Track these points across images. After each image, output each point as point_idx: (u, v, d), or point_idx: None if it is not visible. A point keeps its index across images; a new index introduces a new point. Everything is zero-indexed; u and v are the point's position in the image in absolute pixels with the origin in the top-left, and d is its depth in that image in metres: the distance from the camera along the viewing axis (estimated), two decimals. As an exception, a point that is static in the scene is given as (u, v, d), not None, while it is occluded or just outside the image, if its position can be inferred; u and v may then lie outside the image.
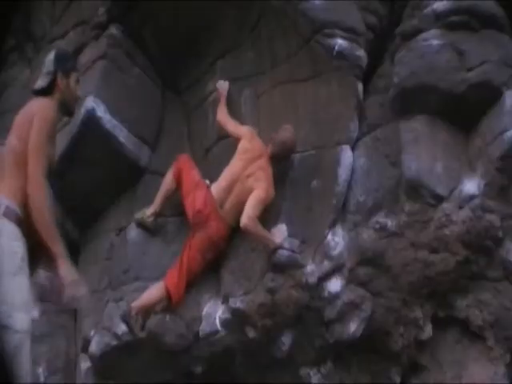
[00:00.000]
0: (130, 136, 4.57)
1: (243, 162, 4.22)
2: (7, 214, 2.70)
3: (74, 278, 2.70)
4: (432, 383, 3.95)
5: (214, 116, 4.60)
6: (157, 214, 4.38)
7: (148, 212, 4.37)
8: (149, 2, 4.63)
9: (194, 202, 4.20)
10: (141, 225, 4.40)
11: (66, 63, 3.06)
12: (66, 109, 3.05)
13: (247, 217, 3.95)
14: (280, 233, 3.99)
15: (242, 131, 4.36)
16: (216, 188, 4.23)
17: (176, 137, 4.83)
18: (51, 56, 3.07)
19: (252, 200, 4.01)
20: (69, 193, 4.39)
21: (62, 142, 4.14)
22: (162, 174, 4.59)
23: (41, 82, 3.01)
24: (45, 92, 3.00)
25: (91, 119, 4.40)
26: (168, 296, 4.07)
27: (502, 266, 3.88)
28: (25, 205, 2.73)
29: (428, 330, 3.96)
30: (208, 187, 4.25)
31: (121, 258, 4.42)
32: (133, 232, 4.44)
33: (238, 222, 4.04)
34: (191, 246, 4.15)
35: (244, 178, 4.16)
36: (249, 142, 4.28)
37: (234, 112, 4.54)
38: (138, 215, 4.40)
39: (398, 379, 4.03)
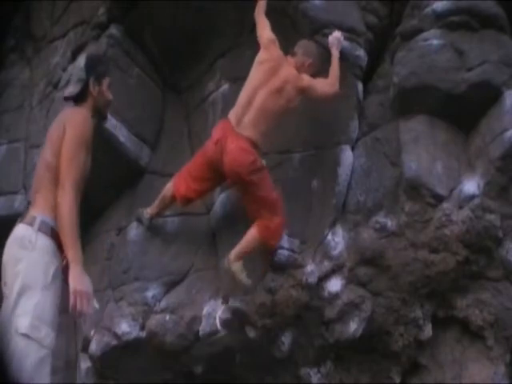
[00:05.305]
0: (130, 136, 4.56)
1: (262, 72, 4.00)
2: (42, 228, 2.69)
3: (82, 288, 2.62)
4: (432, 383, 3.95)
5: (214, 116, 4.60)
6: (153, 217, 4.34)
7: (147, 210, 4.35)
8: (149, 1, 4.62)
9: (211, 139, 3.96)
10: (138, 219, 4.38)
11: (98, 69, 3.03)
12: (100, 114, 3.04)
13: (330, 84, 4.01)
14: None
15: (261, 39, 4.13)
16: (235, 109, 3.97)
17: (176, 137, 4.82)
18: (82, 63, 3.05)
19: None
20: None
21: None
22: (162, 174, 4.59)
23: (72, 89, 2.99)
24: (77, 99, 2.98)
25: (91, 119, 4.40)
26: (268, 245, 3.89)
27: (501, 265, 3.89)
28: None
29: (428, 330, 3.95)
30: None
31: (121, 258, 4.41)
32: (133, 232, 4.44)
33: (257, 136, 3.89)
34: (250, 196, 3.90)
35: (270, 92, 3.92)
36: (266, 51, 4.07)
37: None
38: (140, 210, 4.37)
39: (398, 379, 4.02)
